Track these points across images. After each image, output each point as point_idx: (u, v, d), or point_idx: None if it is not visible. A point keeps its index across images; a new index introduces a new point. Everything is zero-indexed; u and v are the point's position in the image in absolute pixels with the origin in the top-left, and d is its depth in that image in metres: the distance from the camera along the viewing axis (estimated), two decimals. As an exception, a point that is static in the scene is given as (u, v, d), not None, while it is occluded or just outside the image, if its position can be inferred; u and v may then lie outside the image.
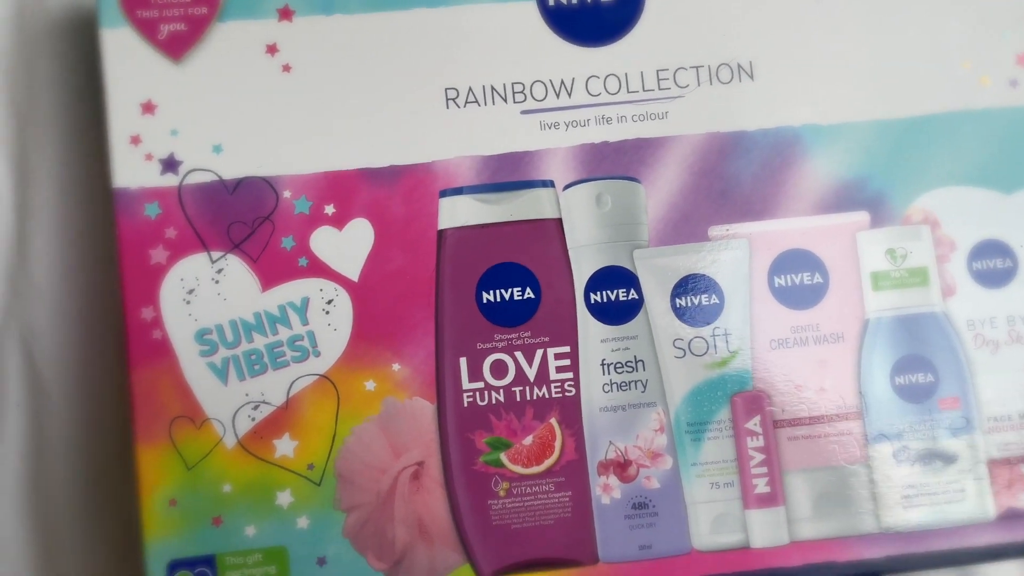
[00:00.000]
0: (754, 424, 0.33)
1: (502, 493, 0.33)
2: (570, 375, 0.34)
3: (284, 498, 0.32)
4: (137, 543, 0.33)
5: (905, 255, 0.34)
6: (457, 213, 0.34)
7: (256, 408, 0.33)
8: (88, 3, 0.39)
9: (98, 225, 0.38)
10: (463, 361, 0.33)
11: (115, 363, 0.38)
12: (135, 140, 0.33)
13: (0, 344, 0.38)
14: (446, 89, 0.34)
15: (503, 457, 0.33)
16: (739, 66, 0.35)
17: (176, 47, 0.33)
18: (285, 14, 0.34)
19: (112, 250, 0.36)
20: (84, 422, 0.38)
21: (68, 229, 0.38)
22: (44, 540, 0.37)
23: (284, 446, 0.33)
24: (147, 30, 0.33)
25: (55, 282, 0.38)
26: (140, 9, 0.33)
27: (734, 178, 0.34)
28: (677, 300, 0.34)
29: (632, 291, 0.34)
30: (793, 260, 0.34)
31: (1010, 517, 0.33)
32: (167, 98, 0.33)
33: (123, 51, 0.33)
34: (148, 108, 0.33)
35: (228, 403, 0.33)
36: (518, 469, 0.33)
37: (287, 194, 0.33)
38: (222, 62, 0.33)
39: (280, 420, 0.33)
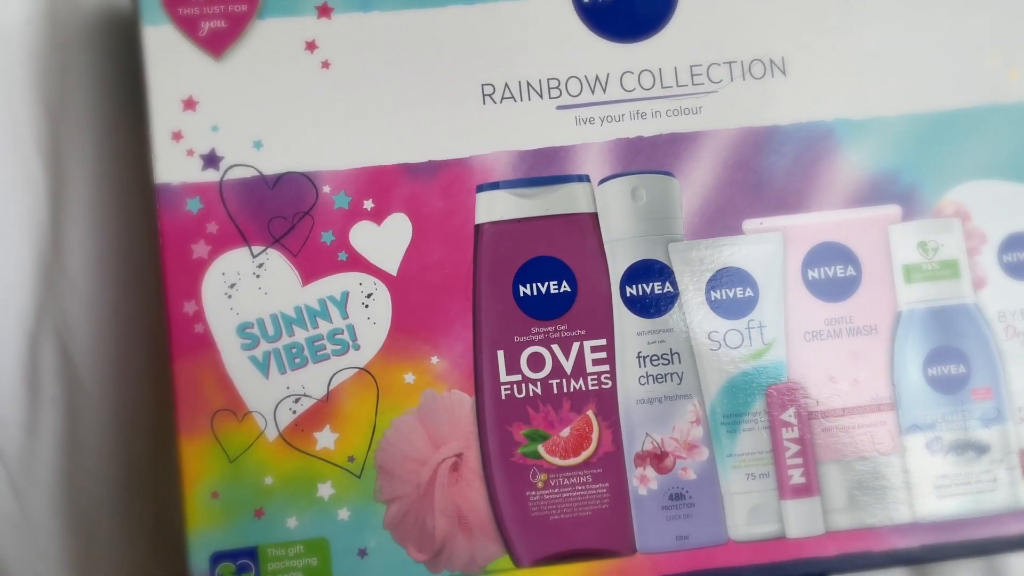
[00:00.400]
0: (789, 416, 0.34)
1: (540, 484, 0.33)
2: (606, 367, 0.34)
3: (325, 490, 0.33)
4: (172, 535, 0.33)
5: (937, 248, 0.35)
6: (494, 207, 0.34)
7: (297, 401, 0.33)
8: (121, 1, 0.39)
9: (132, 220, 0.38)
10: (501, 354, 0.34)
11: (150, 358, 0.38)
12: (177, 136, 0.33)
13: (35, 339, 0.38)
14: (483, 85, 0.34)
15: (541, 449, 0.34)
16: (771, 61, 0.35)
17: (217, 44, 0.34)
18: (324, 11, 0.34)
19: (146, 245, 0.36)
20: (119, 416, 0.38)
21: (103, 224, 0.38)
22: (80, 533, 0.37)
23: (325, 438, 0.33)
24: (188, 27, 0.33)
25: (90, 277, 0.38)
26: (181, 7, 0.33)
27: (767, 172, 0.35)
28: (712, 293, 0.34)
29: (667, 284, 0.34)
30: (826, 253, 0.34)
31: (1042, 506, 0.34)
32: (208, 94, 0.33)
33: (164, 48, 0.33)
34: (189, 104, 0.33)
35: (269, 396, 0.33)
36: (556, 461, 0.34)
37: (327, 189, 0.34)
38: (262, 59, 0.34)
39: (321, 413, 0.33)
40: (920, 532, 0.34)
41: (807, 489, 0.33)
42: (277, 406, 0.33)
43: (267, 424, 0.33)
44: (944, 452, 0.34)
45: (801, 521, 0.33)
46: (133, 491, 0.38)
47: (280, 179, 0.33)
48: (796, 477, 0.33)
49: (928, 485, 0.34)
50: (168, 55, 0.33)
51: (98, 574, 0.37)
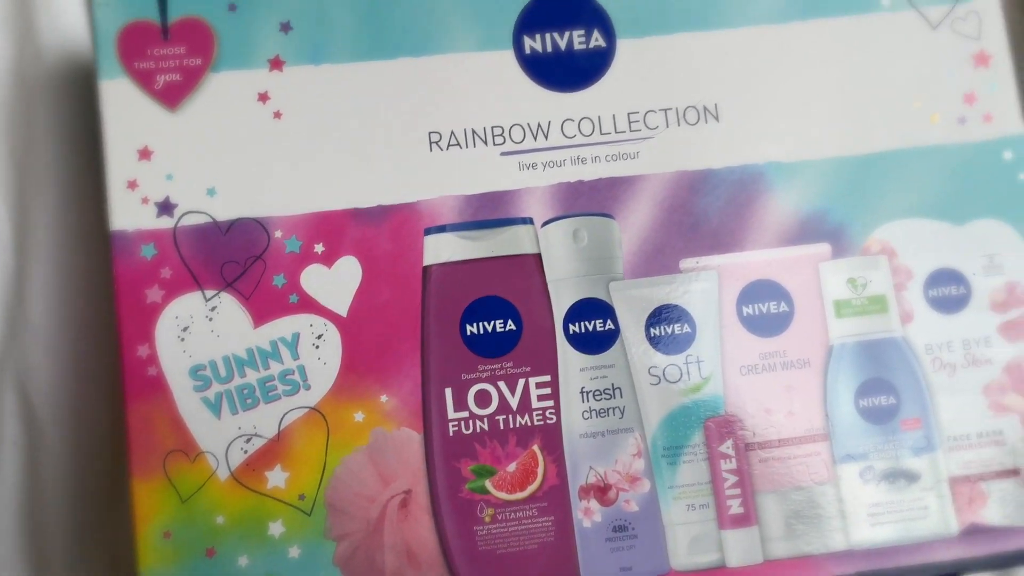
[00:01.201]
0: (727, 447, 0.35)
1: (487, 519, 0.34)
2: (551, 403, 0.35)
3: (276, 528, 0.33)
4: (129, 574, 0.34)
5: (865, 284, 0.36)
6: (441, 250, 0.35)
7: (248, 441, 0.34)
8: (83, 54, 0.40)
9: (92, 266, 0.39)
10: (448, 391, 0.35)
11: (107, 401, 0.39)
12: (132, 185, 0.34)
13: (-3, 383, 0.39)
14: (430, 133, 0.36)
15: (488, 484, 0.34)
16: (705, 108, 0.37)
17: (172, 96, 0.35)
18: (276, 64, 0.35)
19: (105, 290, 0.37)
20: (77, 458, 0.39)
21: (64, 270, 0.39)
22: (40, 572, 0.38)
23: (276, 477, 0.34)
24: (144, 81, 0.35)
25: (50, 322, 0.39)
26: (137, 61, 0.35)
27: (703, 213, 0.36)
28: (651, 330, 0.35)
29: (609, 322, 0.35)
30: (760, 290, 0.36)
31: (972, 532, 0.35)
32: (163, 144, 0.35)
33: (121, 101, 0.35)
34: (145, 154, 0.35)
35: (221, 436, 0.34)
36: (503, 495, 0.34)
37: (278, 234, 0.35)
38: (216, 110, 0.35)
39: (272, 452, 0.34)
40: (855, 559, 0.35)
41: (745, 519, 0.34)
42: (229, 446, 0.34)
43: (219, 464, 0.34)
44: (876, 481, 0.35)
45: (740, 550, 0.34)
46: (90, 531, 0.39)
47: (233, 225, 0.35)
48: (735, 507, 0.34)
49: (862, 513, 0.35)
50: (124, 107, 0.35)
51: (54, 615, 0.38)
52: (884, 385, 0.36)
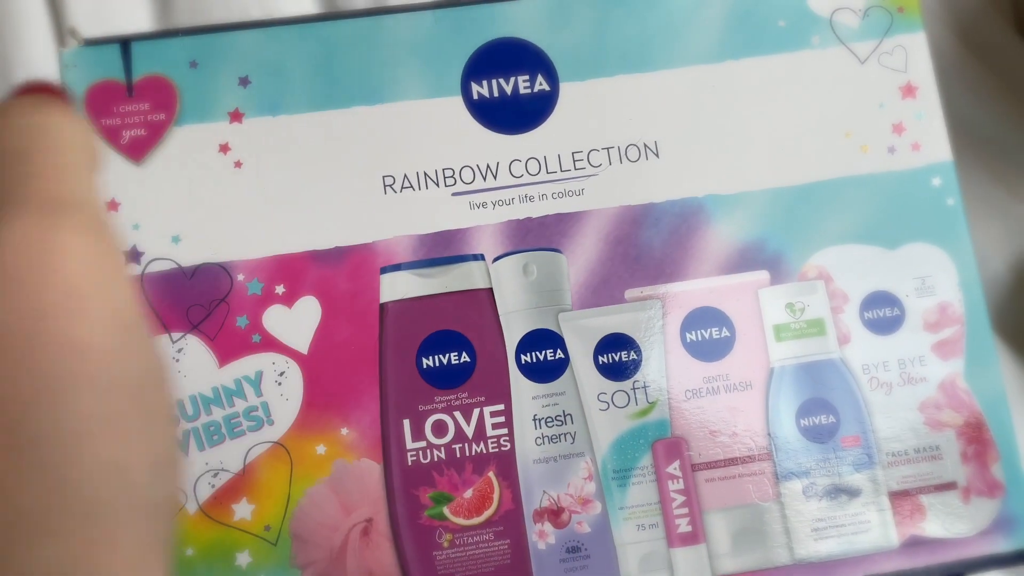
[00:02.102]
0: (674, 468, 0.36)
1: (446, 544, 0.36)
2: (505, 431, 0.37)
3: (243, 559, 0.35)
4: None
5: (803, 308, 0.38)
6: (397, 287, 0.37)
7: (216, 475, 0.35)
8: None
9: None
10: (406, 423, 0.36)
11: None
12: (101, 235, 0.36)
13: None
14: (383, 176, 0.38)
15: (446, 510, 0.36)
16: (645, 145, 0.39)
17: (137, 150, 0.37)
18: (236, 116, 0.37)
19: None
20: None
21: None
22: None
23: (242, 510, 0.35)
24: (110, 136, 0.37)
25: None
26: (104, 118, 0.37)
27: (646, 245, 0.38)
28: (600, 357, 0.37)
29: (559, 351, 0.37)
30: (702, 317, 0.38)
31: (912, 544, 0.36)
32: (129, 196, 0.37)
33: (89, 155, 0.37)
34: (112, 206, 0.36)
35: (190, 472, 0.35)
36: (460, 521, 0.36)
37: (240, 277, 0.37)
38: (179, 161, 0.37)
39: (238, 486, 0.35)
40: (800, 573, 0.36)
41: (694, 537, 0.36)
42: (197, 481, 0.35)
43: (187, 499, 0.35)
44: (819, 497, 0.37)
45: (689, 567, 0.36)
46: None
47: (197, 270, 0.36)
48: (683, 526, 0.36)
49: (805, 528, 0.36)
50: (92, 162, 0.37)
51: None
52: (824, 405, 0.37)
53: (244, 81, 0.37)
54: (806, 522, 0.36)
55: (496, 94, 0.39)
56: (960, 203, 0.39)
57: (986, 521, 0.37)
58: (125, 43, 0.37)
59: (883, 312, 0.38)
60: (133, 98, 0.37)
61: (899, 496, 0.37)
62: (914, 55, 0.40)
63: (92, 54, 0.37)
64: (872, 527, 0.36)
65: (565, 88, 0.39)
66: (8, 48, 0.44)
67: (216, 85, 0.37)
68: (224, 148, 0.37)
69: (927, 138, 0.40)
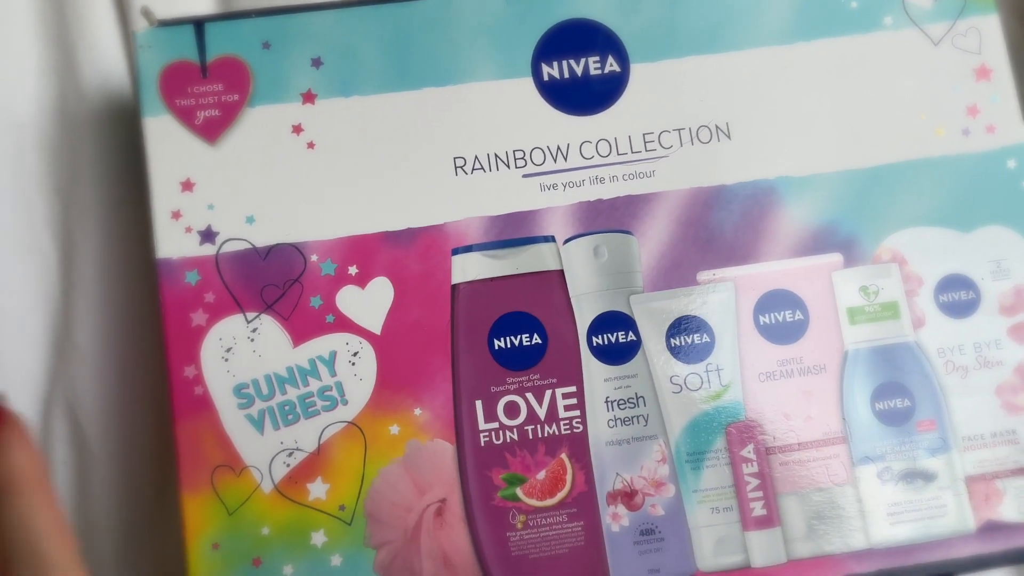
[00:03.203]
0: (748, 452, 0.36)
1: (519, 525, 0.36)
2: (577, 413, 0.36)
3: (318, 538, 0.35)
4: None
5: (877, 291, 0.38)
6: (468, 269, 0.37)
7: (290, 455, 0.35)
8: (122, 92, 0.43)
9: (136, 293, 0.41)
10: (479, 404, 0.36)
11: (152, 420, 0.41)
12: (176, 215, 0.36)
13: (48, 407, 0.41)
14: (455, 158, 0.38)
15: (519, 492, 0.36)
16: (717, 127, 0.39)
17: (211, 131, 0.37)
18: (308, 98, 0.37)
19: (149, 315, 0.39)
20: (124, 476, 0.40)
21: (109, 298, 0.41)
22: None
23: (317, 489, 0.35)
24: (185, 117, 0.37)
25: (97, 347, 0.41)
26: (179, 98, 0.37)
27: (717, 227, 0.38)
28: (672, 340, 0.37)
29: (630, 333, 0.37)
30: (775, 299, 0.37)
31: (989, 529, 0.36)
32: (204, 176, 0.37)
33: (163, 136, 0.37)
34: (187, 186, 0.37)
35: (265, 451, 0.35)
36: (533, 502, 0.36)
37: (314, 258, 0.37)
38: (253, 142, 0.37)
39: (313, 465, 0.35)
40: (875, 557, 0.36)
41: (768, 520, 0.36)
42: (272, 460, 0.35)
43: (263, 477, 0.35)
44: (894, 481, 0.36)
45: (764, 551, 0.36)
46: (138, 547, 0.40)
47: (271, 250, 0.37)
48: (757, 509, 0.36)
49: (881, 513, 0.36)
50: (167, 142, 0.37)
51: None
52: (899, 388, 0.37)
53: (317, 62, 0.37)
54: (881, 506, 0.36)
55: (567, 75, 0.38)
56: (1035, 186, 0.39)
57: (1065, 506, 0.36)
58: (199, 24, 0.37)
59: (958, 295, 0.38)
60: (207, 79, 0.37)
61: (975, 480, 0.36)
62: (988, 37, 0.40)
63: (166, 35, 0.37)
64: (948, 511, 0.36)
65: (636, 69, 0.39)
66: (72, 30, 0.44)
67: (289, 66, 0.37)
68: (297, 129, 0.37)
69: (1002, 120, 0.39)
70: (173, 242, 0.36)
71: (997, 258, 0.38)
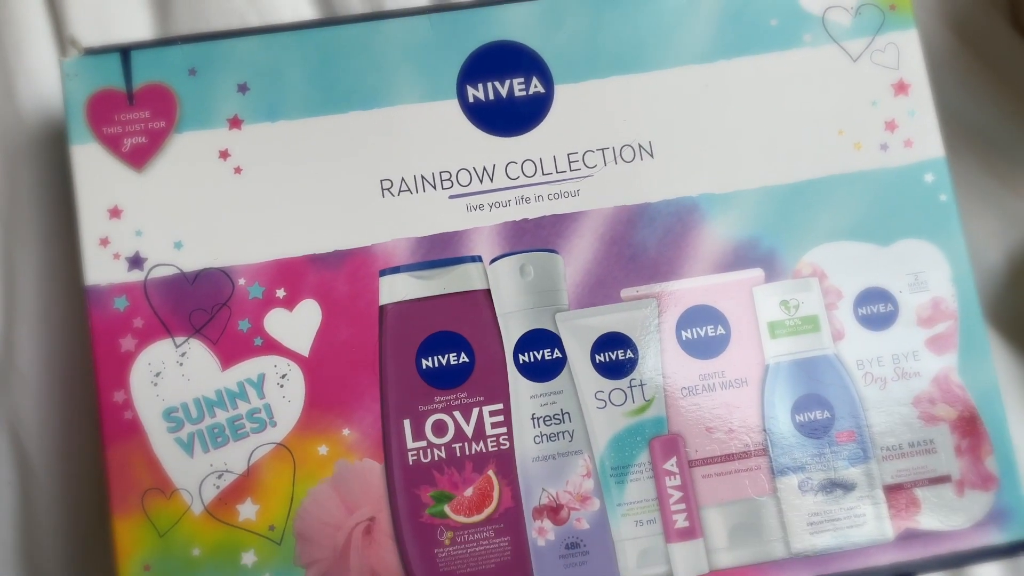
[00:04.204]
0: (671, 465, 0.37)
1: (447, 542, 0.36)
2: (504, 430, 0.37)
3: (248, 558, 0.36)
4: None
5: (797, 305, 0.38)
6: (396, 289, 0.38)
7: (220, 477, 0.36)
8: (60, 117, 0.43)
9: (73, 319, 0.42)
10: (407, 423, 0.37)
11: (92, 442, 0.41)
12: (104, 242, 0.37)
13: (-11, 430, 0.41)
14: (381, 180, 0.38)
15: (447, 509, 0.37)
16: (640, 146, 0.39)
17: (138, 158, 0.37)
18: (235, 123, 0.38)
19: (85, 340, 0.40)
20: (66, 496, 0.41)
21: (48, 322, 0.42)
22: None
23: (247, 510, 0.36)
24: (112, 144, 0.37)
25: (38, 372, 0.42)
26: (105, 126, 0.37)
27: (641, 245, 0.38)
28: (596, 356, 0.38)
29: (556, 350, 0.38)
30: (697, 315, 0.38)
31: (907, 537, 0.37)
32: (131, 203, 0.37)
33: (90, 164, 0.37)
34: (115, 213, 0.37)
35: (195, 474, 0.36)
36: (461, 519, 0.37)
37: (242, 281, 0.37)
38: (180, 168, 0.37)
39: (242, 486, 0.36)
40: (796, 566, 0.37)
41: (691, 532, 0.36)
42: (202, 483, 0.36)
43: (193, 500, 0.36)
44: (814, 492, 0.37)
45: (687, 562, 0.36)
46: (80, 564, 0.41)
47: (199, 275, 0.37)
48: (680, 521, 0.36)
49: (801, 522, 0.37)
50: (94, 170, 0.37)
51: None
52: (819, 400, 0.38)
53: (243, 88, 0.38)
54: (802, 516, 0.37)
55: (492, 97, 0.39)
56: (953, 199, 0.39)
57: (980, 513, 0.37)
58: (125, 52, 0.38)
59: (877, 308, 0.39)
60: (134, 106, 0.38)
61: (894, 490, 0.37)
62: (906, 52, 0.40)
63: (93, 63, 0.38)
64: (867, 520, 0.37)
65: (560, 90, 0.39)
66: (9, 57, 0.44)
67: (215, 92, 0.38)
68: (224, 154, 0.38)
69: (920, 135, 0.40)
70: (101, 269, 0.37)
71: (915, 271, 0.39)
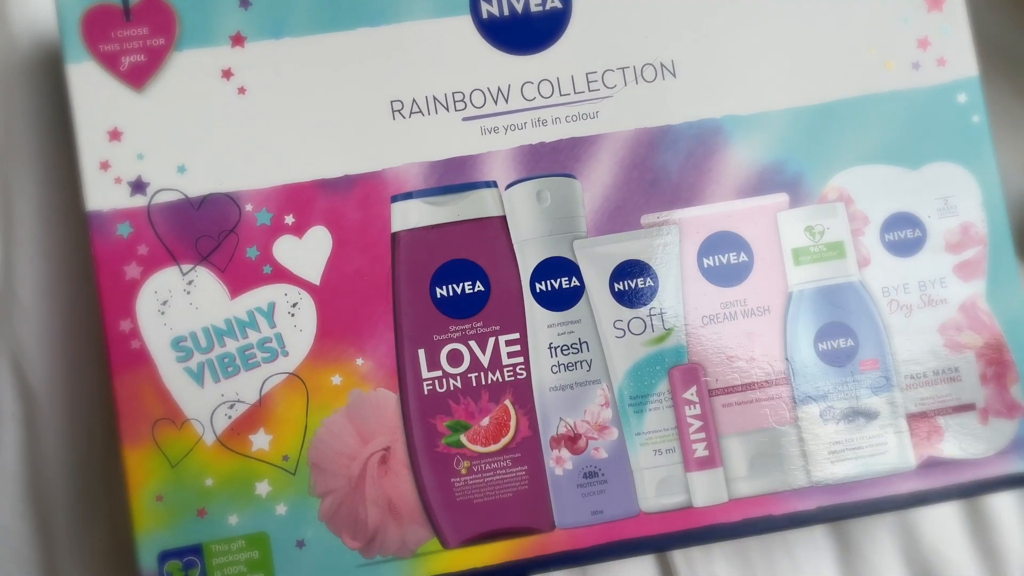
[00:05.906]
0: (691, 394, 0.36)
1: (464, 471, 0.36)
2: (521, 359, 0.36)
3: (262, 488, 0.35)
4: (125, 536, 0.36)
5: (823, 231, 0.37)
6: (408, 216, 0.36)
7: (232, 407, 0.35)
8: (56, 40, 0.41)
9: (74, 246, 0.40)
10: (421, 352, 0.36)
11: (98, 373, 0.40)
12: (104, 165, 0.35)
13: (-8, 361, 0.40)
14: (392, 101, 0.37)
15: (463, 438, 0.36)
16: (662, 65, 0.37)
17: (137, 77, 0.36)
18: (237, 40, 0.36)
19: (88, 267, 0.38)
20: (72, 427, 0.40)
21: (49, 251, 0.41)
22: (42, 535, 0.40)
23: (260, 440, 0.35)
24: (109, 63, 0.36)
25: (40, 301, 0.41)
26: (102, 43, 0.36)
27: (662, 169, 0.37)
28: (615, 285, 0.37)
29: (574, 279, 0.37)
30: (720, 242, 0.37)
31: (929, 465, 0.37)
32: (132, 125, 0.36)
33: (88, 84, 0.35)
34: (115, 135, 0.36)
35: (205, 404, 0.35)
36: (477, 448, 0.36)
37: (249, 207, 0.36)
38: (181, 88, 0.36)
39: (255, 416, 0.35)
40: (818, 495, 0.36)
41: (710, 461, 0.36)
42: (213, 413, 0.35)
43: (205, 430, 0.35)
44: (836, 420, 0.36)
45: (706, 491, 0.36)
46: (88, 496, 0.40)
47: (204, 200, 0.36)
48: (700, 451, 0.36)
49: (823, 451, 0.36)
50: (92, 90, 0.35)
51: (61, 572, 0.40)
52: (842, 328, 0.37)
53: (245, 3, 0.36)
54: (823, 445, 0.36)
55: (506, 12, 0.37)
56: (986, 120, 0.38)
57: (1004, 442, 0.37)
58: (119, -36, 0.36)
59: (904, 234, 0.37)
60: (131, 22, 0.36)
61: (917, 418, 0.37)
62: (941, -35, 0.39)
63: (86, -24, 0.36)
64: (889, 449, 0.36)
65: (578, 5, 0.37)
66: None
67: (216, 7, 0.36)
68: (227, 74, 0.36)
69: (953, 53, 0.38)
70: (103, 194, 0.35)
71: (945, 195, 0.38)
